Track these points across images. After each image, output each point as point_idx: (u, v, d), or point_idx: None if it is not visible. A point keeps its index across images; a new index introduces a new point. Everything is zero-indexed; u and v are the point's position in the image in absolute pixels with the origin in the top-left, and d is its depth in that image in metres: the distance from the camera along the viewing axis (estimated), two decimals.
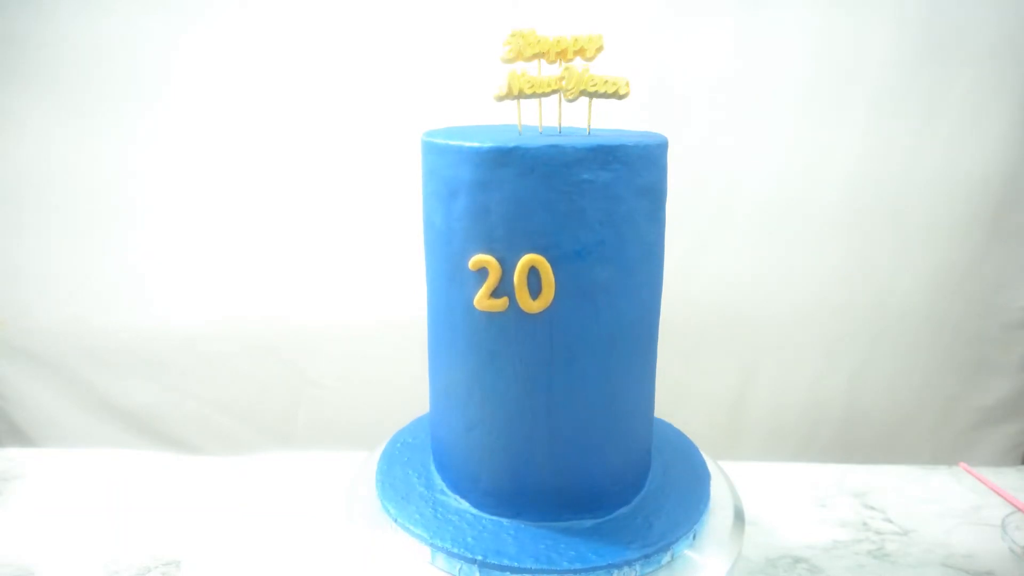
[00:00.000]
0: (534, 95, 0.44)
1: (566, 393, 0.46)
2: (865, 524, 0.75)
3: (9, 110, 0.89)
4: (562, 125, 0.48)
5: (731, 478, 0.56)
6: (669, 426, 0.61)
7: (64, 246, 0.96)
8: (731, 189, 0.93)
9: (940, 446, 1.02)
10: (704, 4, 0.86)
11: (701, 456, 0.57)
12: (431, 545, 0.46)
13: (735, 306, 0.97)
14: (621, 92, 0.44)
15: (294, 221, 0.94)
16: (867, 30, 0.86)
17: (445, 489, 0.52)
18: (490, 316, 0.45)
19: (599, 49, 0.44)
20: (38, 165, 0.92)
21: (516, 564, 0.44)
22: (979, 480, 0.82)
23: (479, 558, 0.44)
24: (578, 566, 0.44)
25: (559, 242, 0.43)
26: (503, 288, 0.44)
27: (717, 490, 0.53)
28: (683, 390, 0.96)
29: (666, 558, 0.46)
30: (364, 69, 0.88)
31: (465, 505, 0.50)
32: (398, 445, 0.58)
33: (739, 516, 0.52)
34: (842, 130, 0.90)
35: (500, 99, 0.44)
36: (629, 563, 0.45)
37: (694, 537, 0.49)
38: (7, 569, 0.65)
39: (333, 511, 0.71)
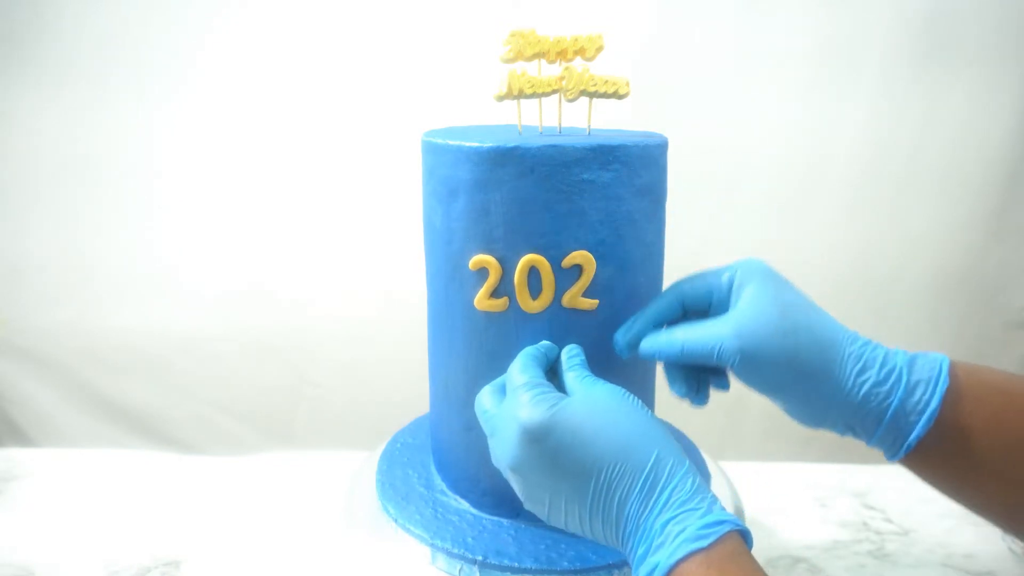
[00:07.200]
0: (534, 95, 0.44)
1: None
2: (865, 524, 0.75)
3: (9, 112, 0.90)
4: (562, 125, 0.48)
5: (731, 478, 0.56)
6: (669, 426, 0.61)
7: (64, 246, 0.96)
8: (731, 189, 0.93)
9: None
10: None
11: (701, 456, 0.57)
12: (431, 545, 0.46)
13: None
14: (621, 92, 0.44)
15: (295, 221, 0.95)
16: (868, 27, 0.86)
17: (445, 489, 0.52)
18: (490, 316, 0.45)
19: (599, 49, 0.44)
20: (37, 167, 0.92)
21: (516, 564, 0.44)
22: None
23: (479, 558, 0.44)
24: (578, 566, 0.44)
25: (559, 242, 0.43)
26: (503, 288, 0.44)
27: (717, 490, 0.53)
28: None
29: None
30: (364, 69, 0.88)
31: (465, 505, 0.50)
32: (398, 445, 0.58)
33: (739, 516, 0.52)
34: (841, 131, 0.90)
35: (500, 99, 0.44)
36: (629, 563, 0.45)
37: None
38: (7, 569, 0.65)
39: (333, 511, 0.71)
